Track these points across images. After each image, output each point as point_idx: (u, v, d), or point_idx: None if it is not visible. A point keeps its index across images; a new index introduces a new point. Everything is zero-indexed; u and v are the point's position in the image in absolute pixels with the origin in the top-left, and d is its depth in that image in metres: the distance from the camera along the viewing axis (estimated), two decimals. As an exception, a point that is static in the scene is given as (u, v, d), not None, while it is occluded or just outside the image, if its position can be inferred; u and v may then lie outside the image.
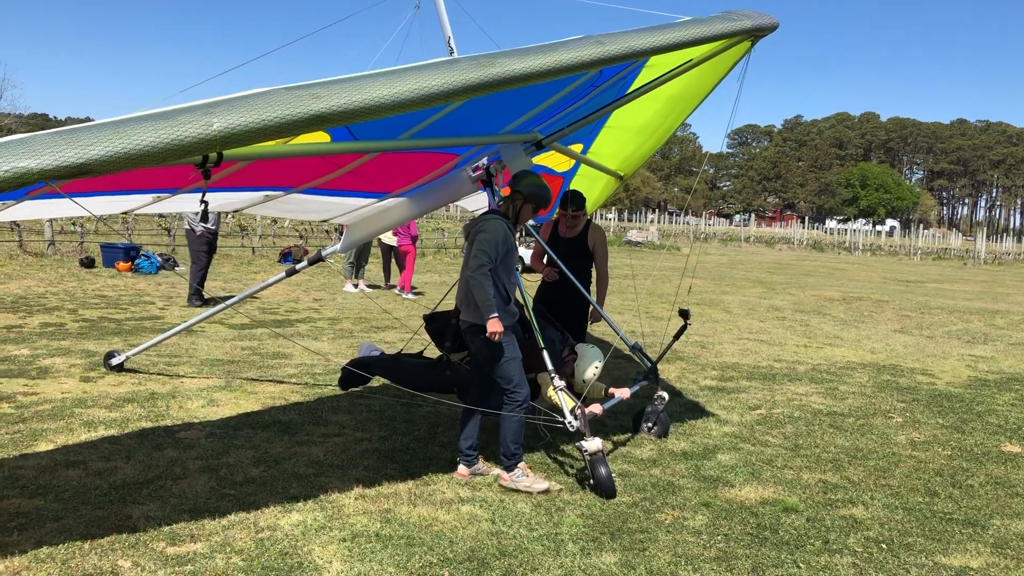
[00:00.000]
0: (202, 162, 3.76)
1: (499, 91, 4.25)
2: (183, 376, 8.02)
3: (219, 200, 6.12)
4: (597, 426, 6.84)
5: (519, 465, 5.16)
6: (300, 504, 4.87)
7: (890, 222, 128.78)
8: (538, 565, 4.24)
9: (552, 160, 8.39)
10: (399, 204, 6.80)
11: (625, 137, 8.19)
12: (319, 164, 5.59)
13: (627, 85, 6.47)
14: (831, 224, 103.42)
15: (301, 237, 27.91)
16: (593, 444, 5.34)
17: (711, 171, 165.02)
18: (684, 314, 7.11)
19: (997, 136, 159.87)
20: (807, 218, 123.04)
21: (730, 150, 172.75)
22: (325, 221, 9.79)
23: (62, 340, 9.53)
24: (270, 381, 8.04)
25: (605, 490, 5.31)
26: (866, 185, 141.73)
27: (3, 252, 19.06)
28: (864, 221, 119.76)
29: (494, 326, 5.17)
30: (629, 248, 42.12)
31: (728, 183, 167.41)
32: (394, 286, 16.62)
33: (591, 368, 6.12)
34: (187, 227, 13.59)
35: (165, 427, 6.32)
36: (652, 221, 67.06)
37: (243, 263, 21.02)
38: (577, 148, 8.37)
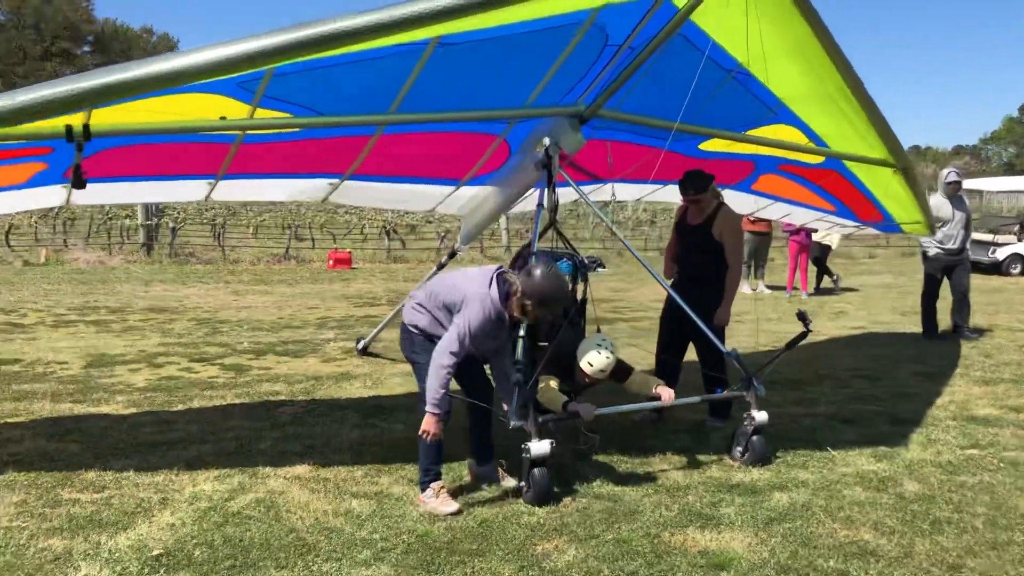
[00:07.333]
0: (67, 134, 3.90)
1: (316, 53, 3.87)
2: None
3: (289, 189, 6.47)
4: (694, 441, 5.86)
5: (431, 485, 4.80)
6: (228, 470, 5.25)
7: None
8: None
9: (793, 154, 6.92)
10: (489, 193, 6.68)
11: (827, 111, 6.11)
12: (342, 147, 5.73)
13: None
14: None
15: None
16: (538, 447, 4.75)
17: None
18: (803, 317, 5.62)
19: None
20: None
21: None
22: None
23: (364, 327, 10.80)
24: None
25: (536, 492, 4.76)
26: None
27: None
28: None
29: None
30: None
31: None
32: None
33: (591, 352, 5.17)
34: (921, 249, 11.39)
35: (285, 401, 7.12)
36: None
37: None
38: (798, 135, 6.53)
